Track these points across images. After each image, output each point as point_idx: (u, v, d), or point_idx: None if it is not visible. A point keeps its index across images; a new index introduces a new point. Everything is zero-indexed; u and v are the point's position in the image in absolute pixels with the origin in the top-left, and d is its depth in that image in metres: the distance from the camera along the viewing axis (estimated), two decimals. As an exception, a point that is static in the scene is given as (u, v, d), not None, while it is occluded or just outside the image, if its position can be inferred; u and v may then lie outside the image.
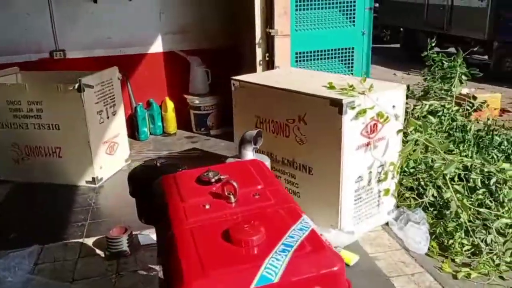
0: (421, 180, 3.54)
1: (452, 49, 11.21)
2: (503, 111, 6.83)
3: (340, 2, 5.48)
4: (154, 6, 5.87)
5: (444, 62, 4.50)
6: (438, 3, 10.84)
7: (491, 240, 3.21)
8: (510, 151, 4.24)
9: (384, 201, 3.49)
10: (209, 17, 6.03)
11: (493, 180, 3.39)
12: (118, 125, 4.91)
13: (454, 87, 4.31)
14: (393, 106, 3.29)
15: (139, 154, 5.36)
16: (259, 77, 4.01)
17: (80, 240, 3.54)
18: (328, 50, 5.67)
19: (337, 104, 3.03)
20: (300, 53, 5.31)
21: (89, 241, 3.52)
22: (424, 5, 11.27)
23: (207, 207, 1.83)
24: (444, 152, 3.32)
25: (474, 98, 4.70)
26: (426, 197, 3.50)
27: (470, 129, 4.14)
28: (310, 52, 5.49)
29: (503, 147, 4.24)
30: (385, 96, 3.22)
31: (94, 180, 4.50)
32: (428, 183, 3.52)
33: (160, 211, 2.10)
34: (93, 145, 4.43)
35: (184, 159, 5.16)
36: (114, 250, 3.30)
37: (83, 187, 4.50)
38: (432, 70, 4.72)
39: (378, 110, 3.16)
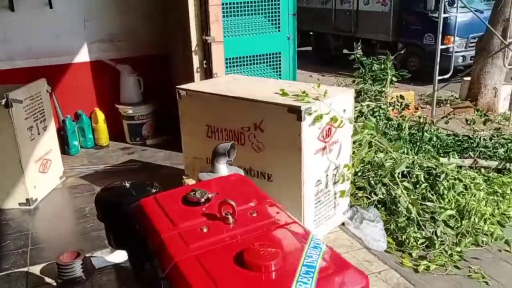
0: (370, 179, 3.60)
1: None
2: (416, 107, 7.26)
3: (265, 8, 5.54)
4: (78, 14, 5.45)
5: (376, 65, 4.66)
6: (345, 9, 11.32)
7: (441, 232, 3.35)
8: (439, 146, 4.49)
9: (340, 202, 3.52)
10: (139, 25, 5.75)
11: (443, 176, 3.54)
12: (50, 140, 4.50)
13: (386, 88, 4.47)
14: (344, 110, 3.31)
15: (72, 170, 4.95)
16: (207, 85, 3.86)
17: (25, 269, 3.18)
18: (257, 56, 5.72)
19: (295, 111, 2.98)
20: (230, 59, 5.27)
21: (36, 269, 3.17)
22: (332, 10, 11.70)
23: (205, 230, 1.68)
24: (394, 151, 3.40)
25: (402, 97, 4.92)
26: (377, 195, 3.57)
27: (404, 127, 4.32)
28: (240, 58, 5.49)
29: (432, 142, 4.47)
30: (337, 100, 3.24)
31: (28, 202, 4.08)
32: (378, 181, 3.60)
33: (141, 237, 1.90)
34: (25, 164, 4.02)
35: (124, 172, 4.84)
36: (67, 277, 2.99)
37: (16, 210, 4.06)
38: (362, 73, 4.86)
39: (332, 114, 3.16)
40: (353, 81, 5.20)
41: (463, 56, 9.26)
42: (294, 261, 1.48)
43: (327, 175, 3.33)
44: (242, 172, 2.40)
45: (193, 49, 4.79)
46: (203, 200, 1.84)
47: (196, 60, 4.84)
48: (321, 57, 12.54)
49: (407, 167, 3.74)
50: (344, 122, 3.22)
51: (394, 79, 4.53)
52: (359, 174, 3.69)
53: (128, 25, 5.71)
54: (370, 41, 10.69)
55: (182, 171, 4.19)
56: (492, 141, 4.83)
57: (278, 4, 5.72)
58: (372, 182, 3.61)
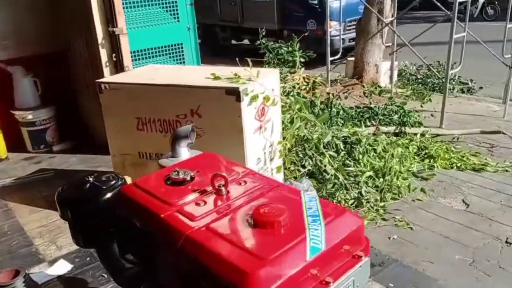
0: (299, 153, 3.84)
1: (246, 41, 12.13)
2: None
3: None
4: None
5: (284, 48, 4.91)
6: (229, -1, 11.54)
7: (365, 192, 3.73)
8: (345, 118, 4.92)
9: (276, 177, 3.69)
10: (26, 20, 5.30)
11: (364, 141, 3.88)
12: None
13: (297, 69, 4.75)
14: (272, 89, 3.48)
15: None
16: (130, 76, 3.75)
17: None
18: (159, 48, 5.69)
19: (233, 93, 3.07)
20: (133, 52, 5.16)
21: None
22: (217, 1, 11.84)
23: (202, 204, 1.73)
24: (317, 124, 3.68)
25: (307, 78, 5.27)
26: (305, 167, 3.83)
27: (317, 104, 4.65)
28: (143, 50, 5.44)
29: (340, 115, 4.88)
30: (267, 81, 3.39)
31: None
32: (305, 155, 3.85)
33: (124, 226, 1.89)
34: None
35: (38, 183, 4.51)
36: (12, 297, 2.75)
37: None
38: (271, 57, 5.09)
39: (265, 94, 3.31)
40: (262, 66, 5.42)
41: (343, 39, 10.04)
42: (298, 214, 1.61)
43: (264, 152, 3.48)
44: (201, 153, 2.44)
45: (99, 42, 4.59)
46: (188, 178, 1.88)
47: (104, 53, 4.64)
48: (211, 49, 12.64)
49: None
50: (276, 100, 3.40)
51: (302, 60, 4.84)
52: (292, 149, 3.92)
53: (13, 21, 5.25)
54: (257, 30, 11.07)
55: (104, 173, 4.03)
56: (387, 109, 5.42)
57: (175, -6, 5.71)
58: (301, 155, 3.86)
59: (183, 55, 5.97)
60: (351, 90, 6.03)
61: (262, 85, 3.29)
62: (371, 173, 3.93)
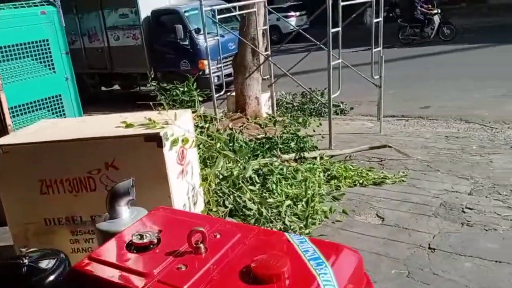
0: (218, 192, 3.69)
1: (116, 86, 11.67)
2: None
3: (35, 50, 5.07)
4: None
5: (180, 88, 4.76)
6: (96, 46, 11.00)
7: (288, 221, 3.71)
8: (251, 149, 4.91)
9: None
10: None
11: (276, 171, 3.86)
12: None
13: (197, 107, 4.63)
14: (188, 131, 3.31)
15: None
16: (25, 135, 3.22)
17: None
18: (37, 101, 5.24)
19: (154, 139, 2.85)
20: (11, 108, 4.66)
21: None
22: (82, 49, 11.21)
23: (184, 268, 1.51)
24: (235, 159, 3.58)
25: (205, 116, 5.17)
26: (227, 207, 3.69)
27: (237, 139, 4.56)
28: (20, 106, 5.00)
29: (244, 148, 4.86)
30: (182, 122, 3.21)
31: None
32: (224, 193, 3.72)
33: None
34: None
35: None
36: None
37: None
38: (168, 99, 4.90)
39: (183, 136, 3.13)
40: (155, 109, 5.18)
41: (218, 76, 10.19)
42: (298, 260, 1.48)
43: (188, 197, 3.26)
44: (145, 210, 2.18)
45: (-29, 101, 3.97)
46: (155, 240, 1.63)
47: (-19, 113, 4.02)
48: (81, 97, 11.84)
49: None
50: (194, 142, 3.23)
51: (200, 98, 4.74)
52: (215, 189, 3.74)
53: None
54: (130, 74, 10.69)
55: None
56: (283, 138, 5.55)
57: (48, 44, 5.29)
58: (221, 194, 3.71)
59: (62, 107, 5.57)
60: (247, 124, 6.07)
61: (179, 127, 3.11)
62: (289, 201, 3.94)
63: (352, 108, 8.00)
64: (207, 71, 8.74)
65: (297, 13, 19.56)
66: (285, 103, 8.49)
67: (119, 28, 10.47)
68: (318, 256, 1.48)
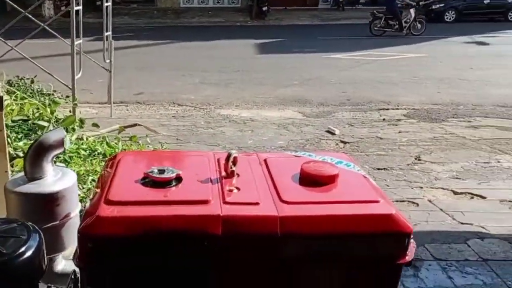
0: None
1: None
2: None
3: None
4: None
5: None
6: None
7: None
8: None
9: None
10: None
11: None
12: None
13: None
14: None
15: None
16: None
17: None
18: None
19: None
20: None
21: None
22: None
23: (236, 191, 1.32)
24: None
25: None
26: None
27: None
28: None
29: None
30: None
31: None
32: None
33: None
34: None
35: None
36: None
37: None
38: None
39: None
40: None
41: None
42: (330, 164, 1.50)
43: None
44: (70, 170, 1.59)
45: None
46: (174, 176, 1.31)
47: None
48: None
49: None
50: None
51: None
52: None
53: None
54: None
55: None
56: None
57: None
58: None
59: None
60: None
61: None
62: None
63: (68, 97, 7.32)
64: None
65: None
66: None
67: None
68: (336, 159, 1.55)
